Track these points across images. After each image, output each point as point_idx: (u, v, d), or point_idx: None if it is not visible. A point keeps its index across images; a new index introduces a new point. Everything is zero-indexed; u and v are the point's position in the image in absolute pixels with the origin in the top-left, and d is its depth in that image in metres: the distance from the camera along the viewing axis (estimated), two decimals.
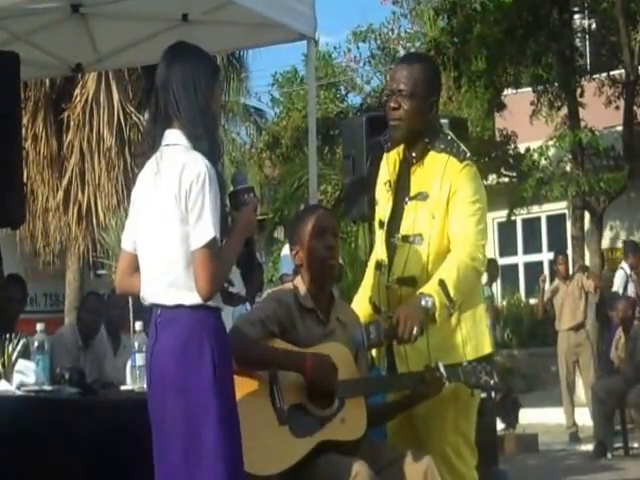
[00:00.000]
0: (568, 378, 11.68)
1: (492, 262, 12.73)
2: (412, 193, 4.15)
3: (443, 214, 4.07)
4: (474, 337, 4.12)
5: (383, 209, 4.27)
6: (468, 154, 4.16)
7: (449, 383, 4.01)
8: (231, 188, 3.66)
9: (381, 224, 4.26)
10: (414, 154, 4.17)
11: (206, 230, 3.41)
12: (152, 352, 3.51)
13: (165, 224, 3.48)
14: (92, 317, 7.76)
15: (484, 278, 11.98)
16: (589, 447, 10.90)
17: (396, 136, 4.19)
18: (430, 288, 3.92)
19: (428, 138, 4.15)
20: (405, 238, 4.12)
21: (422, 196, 4.12)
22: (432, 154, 4.14)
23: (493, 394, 4.18)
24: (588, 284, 11.79)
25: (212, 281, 3.43)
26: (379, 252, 4.26)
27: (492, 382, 4.03)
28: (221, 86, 3.74)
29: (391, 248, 4.18)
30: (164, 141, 3.55)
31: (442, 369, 3.99)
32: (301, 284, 4.11)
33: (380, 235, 4.26)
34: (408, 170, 4.20)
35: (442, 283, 3.92)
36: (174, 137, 3.54)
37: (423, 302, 3.89)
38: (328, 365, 3.96)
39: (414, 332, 3.85)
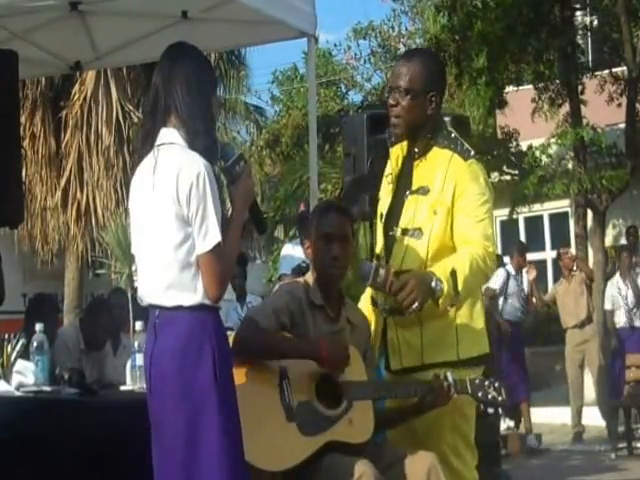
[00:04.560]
0: (575, 376, 11.59)
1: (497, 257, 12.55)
2: (414, 187, 4.12)
3: (446, 212, 4.01)
4: (469, 336, 4.07)
5: (383, 202, 4.26)
6: (472, 152, 4.11)
7: (457, 394, 3.96)
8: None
9: (381, 217, 4.24)
10: (417, 149, 4.14)
11: (212, 234, 3.41)
12: (152, 353, 3.49)
13: (162, 225, 3.46)
14: (103, 334, 7.72)
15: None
16: (593, 447, 10.86)
17: (395, 132, 4.18)
18: (442, 274, 3.85)
19: (431, 133, 4.11)
20: (404, 231, 4.09)
21: (423, 190, 4.08)
22: (435, 149, 4.11)
23: (500, 411, 4.12)
24: (582, 276, 11.71)
25: (220, 282, 3.46)
26: (377, 244, 4.25)
27: (500, 399, 4.00)
28: (218, 90, 3.76)
29: (389, 241, 4.14)
30: (159, 140, 3.52)
31: (450, 379, 3.95)
32: (312, 279, 4.12)
33: (380, 228, 4.25)
34: (411, 164, 4.17)
35: (454, 273, 3.85)
36: (170, 136, 3.51)
37: (433, 284, 3.82)
38: (342, 345, 3.94)
39: (414, 305, 3.78)
